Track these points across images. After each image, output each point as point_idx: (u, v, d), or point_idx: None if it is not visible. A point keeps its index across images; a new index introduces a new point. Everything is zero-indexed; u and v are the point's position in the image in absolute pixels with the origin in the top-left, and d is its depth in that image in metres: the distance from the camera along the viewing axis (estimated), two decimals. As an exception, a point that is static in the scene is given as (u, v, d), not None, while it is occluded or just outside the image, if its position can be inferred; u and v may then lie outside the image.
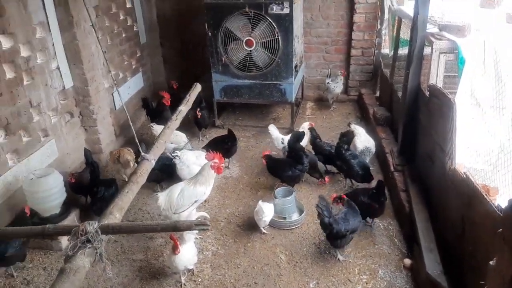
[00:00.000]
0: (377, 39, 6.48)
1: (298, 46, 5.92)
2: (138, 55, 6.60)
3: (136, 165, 3.08)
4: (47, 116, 4.34)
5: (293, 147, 4.63)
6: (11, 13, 3.71)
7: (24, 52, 3.94)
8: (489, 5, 4.53)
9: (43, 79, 4.24)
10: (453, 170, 3.11)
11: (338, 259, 3.58)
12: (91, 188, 4.09)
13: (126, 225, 1.95)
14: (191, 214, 3.40)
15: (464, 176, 2.88)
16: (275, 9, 5.10)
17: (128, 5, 6.17)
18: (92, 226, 1.82)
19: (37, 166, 4.11)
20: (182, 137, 5.15)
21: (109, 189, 4.10)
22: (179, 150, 4.65)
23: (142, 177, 2.40)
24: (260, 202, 3.85)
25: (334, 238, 3.49)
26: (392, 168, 4.53)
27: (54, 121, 4.46)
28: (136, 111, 6.49)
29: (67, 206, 3.96)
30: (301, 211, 4.20)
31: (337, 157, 4.56)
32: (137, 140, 2.75)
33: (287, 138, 4.93)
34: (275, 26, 5.19)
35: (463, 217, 2.93)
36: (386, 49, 6.49)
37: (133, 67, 6.45)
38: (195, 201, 3.62)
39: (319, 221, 3.54)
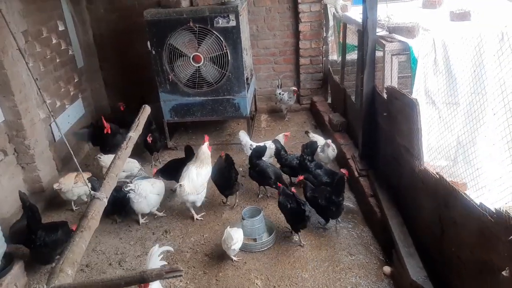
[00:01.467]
0: (324, 46, 6.50)
1: (248, 58, 5.77)
2: (76, 80, 6.11)
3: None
4: (-25, 158, 3.81)
5: (255, 163, 4.44)
6: None
7: None
8: (431, 6, 4.64)
9: (-34, 116, 3.72)
10: (424, 170, 3.05)
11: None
12: (28, 236, 3.54)
13: (83, 285, 1.62)
14: (154, 250, 3.05)
15: (437, 176, 2.81)
16: (221, 22, 4.91)
17: (61, 28, 5.70)
18: (38, 291, 1.47)
19: (-33, 217, 3.57)
20: (134, 164, 4.77)
21: (51, 234, 3.59)
22: (132, 178, 4.28)
23: (94, 220, 2.05)
24: (227, 228, 3.55)
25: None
26: (356, 173, 4.45)
27: (-16, 162, 3.93)
28: (78, 141, 5.98)
29: (9, 259, 3.44)
30: (271, 230, 3.98)
31: (302, 169, 4.40)
32: (84, 179, 2.39)
33: (256, 144, 4.75)
34: (223, 40, 5.00)
35: (440, 218, 2.86)
36: (334, 56, 6.52)
37: (72, 93, 5.95)
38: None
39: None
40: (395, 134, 3.65)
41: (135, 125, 3.25)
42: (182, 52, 5.10)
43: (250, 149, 4.79)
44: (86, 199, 4.55)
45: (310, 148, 4.50)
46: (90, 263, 3.81)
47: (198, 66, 5.18)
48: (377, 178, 4.14)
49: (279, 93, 6.43)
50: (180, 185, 4.07)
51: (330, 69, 6.50)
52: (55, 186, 4.34)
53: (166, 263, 3.12)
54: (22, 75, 4.32)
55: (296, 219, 3.78)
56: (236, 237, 3.46)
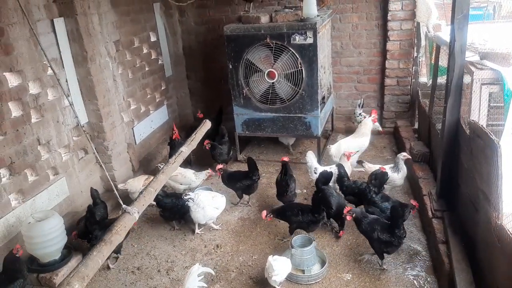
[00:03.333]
0: (413, 67, 5.97)
1: (325, 76, 5.54)
2: (163, 88, 6.49)
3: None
4: (58, 154, 4.21)
5: (321, 189, 4.19)
6: (20, 51, 3.65)
7: (33, 89, 3.86)
8: (542, 28, 3.95)
9: (54, 116, 4.14)
10: (500, 226, 2.55)
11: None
12: (86, 233, 3.81)
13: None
14: (194, 269, 3.01)
15: (514, 236, 2.33)
16: (298, 39, 4.78)
17: (153, 39, 6.11)
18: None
19: (43, 206, 3.95)
20: (190, 176, 4.82)
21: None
22: (192, 190, 4.35)
23: (118, 235, 2.07)
24: (270, 258, 3.35)
25: None
26: (430, 213, 3.95)
27: (65, 158, 4.33)
28: (159, 145, 6.33)
29: (68, 251, 3.73)
30: (323, 263, 3.71)
31: (366, 201, 4.06)
32: (116, 193, 2.45)
33: (321, 168, 4.54)
34: (298, 57, 4.86)
35: (515, 286, 2.36)
36: (424, 78, 5.95)
37: (157, 100, 6.33)
38: (357, 151, 5.04)
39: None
40: (476, 175, 3.14)
41: (190, 139, 3.29)
42: (257, 67, 5.09)
43: (315, 172, 4.57)
44: (153, 203, 4.76)
45: (379, 179, 4.13)
46: (142, 266, 3.95)
47: (272, 82, 5.11)
48: (452, 223, 3.61)
49: (359, 114, 6.07)
50: (329, 146, 5.06)
51: (419, 92, 5.94)
52: (121, 186, 4.61)
53: (205, 285, 3.06)
54: (107, 82, 4.69)
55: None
56: (278, 268, 3.27)
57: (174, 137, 5.34)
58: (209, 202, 4.23)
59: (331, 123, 6.52)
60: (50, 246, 3.45)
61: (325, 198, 4.12)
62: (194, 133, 3.38)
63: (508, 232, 2.40)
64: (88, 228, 3.74)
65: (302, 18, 4.85)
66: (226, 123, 6.42)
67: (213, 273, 3.45)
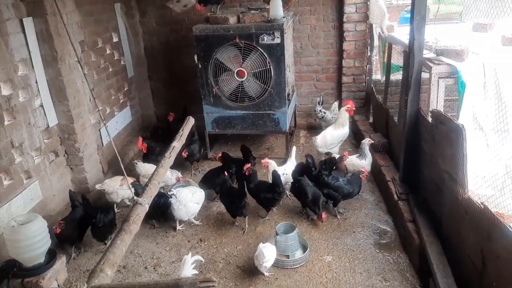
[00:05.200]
0: (367, 65, 6.45)
1: (290, 75, 5.83)
2: (125, 89, 6.43)
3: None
4: (30, 157, 4.09)
5: (297, 179, 4.45)
6: (-9, 51, 3.52)
7: (5, 91, 3.72)
8: (482, 29, 4.52)
9: (26, 118, 4.01)
10: (467, 199, 2.94)
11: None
12: (89, 220, 3.97)
13: (121, 286, 1.70)
14: (187, 263, 3.10)
15: (481, 206, 2.70)
16: (266, 39, 5.01)
17: (115, 39, 6.04)
18: (81, 289, 1.57)
19: (19, 211, 3.82)
20: (172, 174, 4.89)
21: (108, 215, 4.05)
22: (168, 187, 4.43)
23: (135, 224, 2.16)
24: (260, 245, 3.56)
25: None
26: (395, 197, 4.35)
27: (37, 161, 4.20)
28: (124, 147, 6.25)
29: (52, 254, 3.63)
30: (304, 248, 3.96)
31: (321, 184, 4.45)
32: (129, 183, 2.51)
33: (283, 168, 4.75)
34: (267, 56, 5.09)
35: (482, 250, 2.74)
36: (378, 75, 6.45)
37: (121, 101, 6.26)
38: (341, 140, 5.42)
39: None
40: (439, 159, 3.55)
41: (179, 135, 3.38)
42: (227, 66, 5.24)
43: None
44: (128, 203, 4.74)
45: (328, 164, 4.54)
46: (127, 265, 3.95)
47: (242, 81, 5.29)
48: (417, 203, 4.02)
49: (320, 110, 6.42)
50: (314, 138, 5.26)
51: (373, 88, 6.42)
52: (98, 186, 4.56)
53: (198, 272, 3.17)
54: (77, 83, 4.60)
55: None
56: (268, 255, 3.46)
57: (144, 150, 5.36)
58: (190, 198, 4.32)
59: (294, 119, 6.83)
60: (36, 249, 3.33)
61: (302, 188, 4.38)
62: (181, 129, 3.48)
63: (476, 203, 2.78)
64: (91, 213, 3.95)
65: (269, 19, 5.09)
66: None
67: (203, 260, 3.54)
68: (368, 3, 5.93)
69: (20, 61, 3.91)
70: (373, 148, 5.43)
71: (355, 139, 6.47)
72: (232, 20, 5.15)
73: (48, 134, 4.41)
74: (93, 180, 4.94)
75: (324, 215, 4.24)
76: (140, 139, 5.45)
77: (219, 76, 5.33)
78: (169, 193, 4.16)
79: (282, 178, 4.53)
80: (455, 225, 3.21)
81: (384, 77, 5.85)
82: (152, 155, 5.27)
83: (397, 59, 5.40)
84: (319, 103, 6.51)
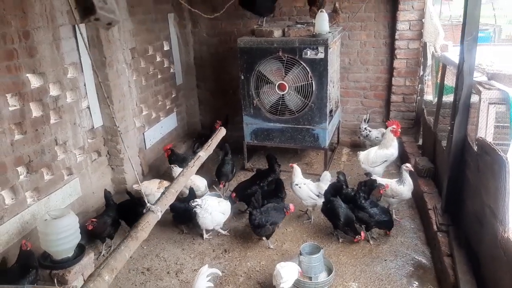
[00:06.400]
0: (419, 85, 6.13)
1: (334, 90, 5.69)
2: (173, 95, 6.63)
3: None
4: (73, 155, 4.31)
5: (329, 200, 4.31)
6: (43, 54, 3.78)
7: (53, 91, 3.98)
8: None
9: (72, 118, 4.25)
10: (507, 239, 2.66)
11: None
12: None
13: (109, 292, 1.71)
14: (202, 274, 3.09)
15: (521, 248, 2.42)
16: (309, 54, 4.94)
17: (166, 48, 6.27)
18: (71, 291, 1.59)
19: (57, 205, 4.03)
20: (201, 184, 4.93)
21: None
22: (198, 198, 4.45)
23: (143, 231, 2.16)
24: (278, 265, 3.45)
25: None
26: (435, 227, 4.05)
27: (80, 159, 4.43)
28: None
29: (81, 249, 3.79)
30: (330, 271, 3.79)
31: (356, 207, 4.24)
32: (143, 192, 2.56)
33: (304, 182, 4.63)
34: (309, 71, 5.02)
35: (520, 298, 2.45)
36: (430, 96, 6.10)
37: (167, 107, 6.46)
38: (385, 161, 5.11)
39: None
40: (482, 191, 3.25)
41: (207, 145, 3.38)
42: (269, 79, 5.24)
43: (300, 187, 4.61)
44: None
45: (368, 186, 4.31)
46: (151, 267, 4.02)
47: (283, 94, 5.25)
48: (457, 237, 3.70)
49: (365, 128, 6.18)
50: (359, 152, 5.18)
51: (424, 109, 6.08)
52: (135, 186, 4.70)
53: (212, 285, 3.14)
54: (123, 87, 4.82)
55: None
56: (286, 276, 3.34)
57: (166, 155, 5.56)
58: (216, 208, 4.32)
59: (337, 136, 6.65)
60: (64, 244, 3.49)
61: (333, 209, 4.22)
62: (210, 139, 3.48)
63: (515, 244, 2.50)
64: (137, 205, 4.09)
65: (314, 34, 5.02)
66: (232, 132, 6.55)
67: (220, 273, 3.50)
68: (423, 20, 5.66)
69: (70, 65, 4.17)
70: (417, 172, 5.13)
71: (400, 161, 6.14)
72: (277, 33, 5.15)
73: (93, 135, 4.64)
74: (132, 181, 5.12)
75: (363, 234, 4.06)
76: (169, 145, 5.60)
77: (260, 88, 5.34)
78: (192, 204, 4.18)
79: (302, 192, 4.54)
80: (492, 265, 2.91)
81: (436, 98, 5.52)
82: (176, 162, 5.34)
83: (452, 80, 5.07)
84: (365, 120, 6.29)
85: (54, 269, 3.57)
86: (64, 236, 3.48)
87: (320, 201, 4.50)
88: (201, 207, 4.17)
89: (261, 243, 4.32)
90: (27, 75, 3.65)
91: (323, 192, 4.51)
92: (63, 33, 3.98)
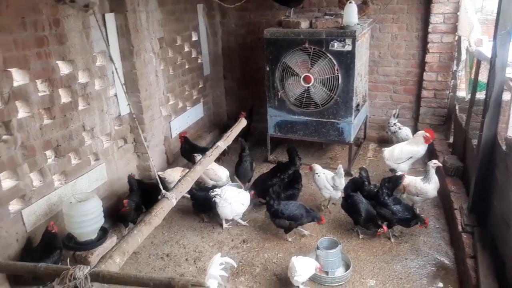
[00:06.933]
0: (452, 81, 5.90)
1: (361, 84, 5.57)
2: (200, 86, 6.69)
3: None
4: (100, 141, 4.44)
5: (350, 195, 4.25)
6: (73, 42, 3.89)
7: (82, 79, 4.10)
8: None
9: (99, 105, 4.37)
10: (533, 243, 2.53)
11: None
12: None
13: (117, 276, 1.76)
14: (214, 262, 3.12)
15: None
16: (336, 46, 4.85)
17: (194, 38, 6.31)
18: (82, 271, 1.66)
19: (84, 189, 4.18)
20: (223, 175, 4.96)
21: None
22: (219, 187, 4.49)
23: (157, 217, 2.22)
24: (293, 258, 3.44)
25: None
26: (460, 227, 3.91)
27: (106, 145, 4.56)
28: (193, 140, 6.50)
29: (104, 232, 3.93)
30: (347, 266, 3.75)
31: (378, 203, 4.16)
32: (157, 176, 2.61)
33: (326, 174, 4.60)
34: (335, 63, 4.93)
35: (543, 305, 2.33)
36: (463, 92, 5.87)
37: (194, 97, 6.53)
38: (411, 157, 4.97)
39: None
40: (510, 192, 3.11)
41: (226, 136, 3.42)
42: (294, 71, 5.18)
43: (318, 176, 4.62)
44: (186, 195, 4.93)
45: (392, 183, 4.22)
46: (171, 253, 4.11)
47: (308, 87, 5.19)
48: (482, 238, 3.57)
49: (394, 124, 6.02)
50: (384, 148, 5.09)
51: (457, 106, 5.85)
52: (160, 173, 4.80)
53: (226, 274, 3.17)
54: (150, 76, 4.90)
55: None
56: (300, 269, 3.33)
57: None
58: (235, 198, 4.35)
59: (364, 131, 6.52)
60: (88, 226, 3.64)
61: (354, 204, 4.16)
62: (230, 129, 3.51)
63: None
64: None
65: (342, 25, 4.91)
66: (257, 124, 6.56)
67: (235, 264, 3.52)
68: (458, 13, 5.42)
69: (99, 53, 4.28)
70: (444, 171, 4.96)
71: (428, 159, 5.95)
72: (304, 24, 5.08)
73: (119, 122, 4.76)
74: (156, 169, 5.19)
75: (385, 227, 3.99)
76: (184, 133, 5.70)
77: (285, 80, 5.29)
78: (211, 193, 4.23)
79: (320, 181, 4.58)
80: (517, 271, 2.79)
81: (469, 95, 5.30)
82: (188, 150, 5.48)
83: (486, 77, 4.86)
84: (394, 115, 6.12)
85: (78, 250, 3.73)
86: (87, 219, 3.62)
87: (335, 193, 4.52)
88: (220, 196, 4.21)
89: (280, 235, 4.32)
90: (57, 62, 3.78)
91: (338, 185, 4.49)
92: (92, 21, 4.08)
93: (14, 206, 3.48)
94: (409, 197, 4.51)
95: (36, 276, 1.99)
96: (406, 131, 5.89)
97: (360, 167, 4.61)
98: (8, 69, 3.31)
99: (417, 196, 4.42)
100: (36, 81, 3.58)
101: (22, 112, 3.48)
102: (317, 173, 4.61)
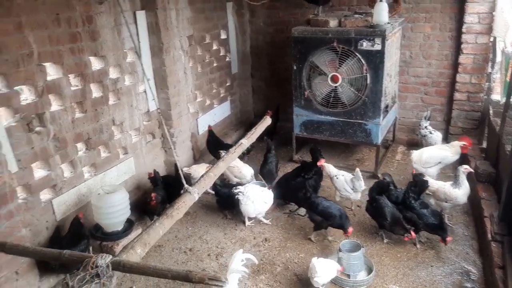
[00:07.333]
0: (486, 83, 5.69)
1: (391, 85, 5.46)
2: (227, 84, 6.74)
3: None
4: (129, 135, 4.56)
5: (375, 198, 4.17)
6: (105, 38, 4.01)
7: (113, 74, 4.22)
8: None
9: (129, 100, 4.48)
10: None
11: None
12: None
13: (137, 266, 1.80)
14: (235, 258, 3.13)
15: None
16: (365, 45, 4.77)
17: (223, 36, 6.37)
18: (104, 260, 1.71)
19: (112, 181, 4.30)
20: (247, 173, 4.97)
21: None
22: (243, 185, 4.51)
23: (178, 211, 2.26)
24: (314, 259, 3.41)
25: None
26: (489, 236, 3.77)
27: (135, 140, 4.67)
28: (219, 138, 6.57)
29: (130, 224, 4.03)
30: (370, 271, 3.69)
31: (405, 207, 4.08)
32: (180, 171, 2.65)
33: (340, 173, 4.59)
34: (364, 63, 4.85)
35: None
36: (498, 95, 5.64)
37: (222, 95, 6.58)
38: (439, 162, 4.82)
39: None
40: (544, 200, 2.97)
41: (250, 133, 3.43)
42: (321, 70, 5.14)
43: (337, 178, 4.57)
44: (210, 191, 4.98)
45: (419, 186, 4.14)
46: (194, 248, 4.17)
47: (335, 86, 5.13)
48: (513, 248, 3.43)
49: (425, 126, 5.85)
50: (412, 151, 4.95)
51: (491, 109, 5.63)
52: (185, 169, 4.87)
53: (247, 270, 3.19)
54: (178, 73, 4.99)
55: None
56: (321, 271, 3.30)
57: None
58: (258, 196, 4.36)
59: (393, 133, 6.38)
60: (115, 218, 3.76)
61: (380, 208, 4.08)
62: (254, 128, 3.53)
63: None
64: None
65: (372, 24, 4.83)
66: (284, 123, 6.54)
67: (256, 261, 3.52)
68: (494, 13, 5.22)
69: (129, 49, 4.39)
70: (476, 177, 4.80)
71: (459, 164, 5.75)
72: (333, 23, 5.02)
73: (148, 117, 4.87)
74: (183, 164, 5.29)
75: (413, 233, 3.89)
76: (210, 127, 5.77)
77: (312, 80, 5.26)
78: (234, 190, 4.25)
79: (339, 183, 4.55)
80: (549, 283, 2.66)
81: (504, 98, 5.09)
82: (211, 143, 5.64)
83: (523, 79, 4.67)
84: (425, 118, 5.95)
85: (104, 240, 3.84)
86: (114, 210, 3.73)
87: (355, 195, 4.51)
88: (243, 194, 4.23)
89: (302, 235, 4.30)
90: (89, 57, 3.90)
91: (357, 188, 4.45)
92: (124, 19, 4.19)
93: (45, 195, 3.63)
94: (437, 203, 4.38)
95: (62, 263, 2.07)
96: (437, 136, 5.71)
97: (383, 173, 4.53)
98: (43, 64, 3.44)
99: (446, 202, 4.29)
100: (69, 75, 3.72)
101: (55, 105, 3.62)
102: (335, 175, 4.59)
